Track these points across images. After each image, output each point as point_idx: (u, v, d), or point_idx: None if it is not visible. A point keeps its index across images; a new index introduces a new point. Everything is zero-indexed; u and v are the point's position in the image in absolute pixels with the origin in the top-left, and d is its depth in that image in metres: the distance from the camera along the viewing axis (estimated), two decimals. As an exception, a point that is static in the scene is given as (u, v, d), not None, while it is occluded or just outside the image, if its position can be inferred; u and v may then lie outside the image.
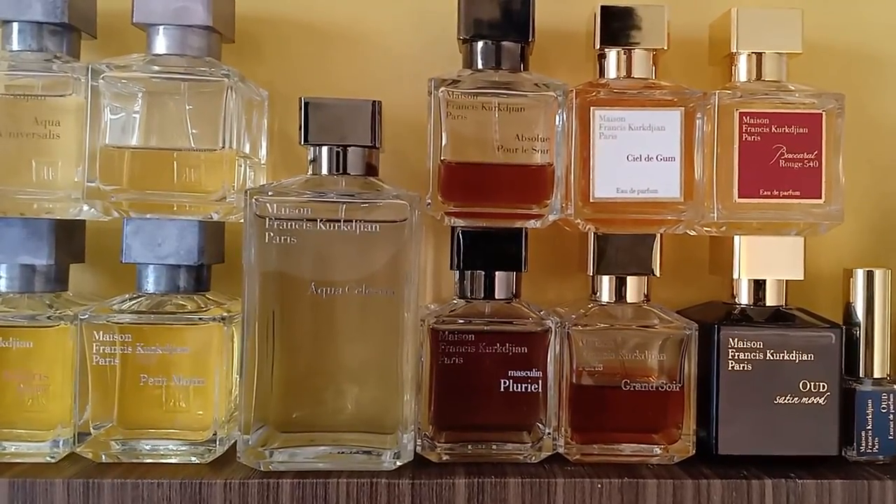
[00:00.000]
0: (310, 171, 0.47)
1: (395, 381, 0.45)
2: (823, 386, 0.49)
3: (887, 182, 0.58)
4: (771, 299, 0.51)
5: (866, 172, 0.57)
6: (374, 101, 0.47)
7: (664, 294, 0.55)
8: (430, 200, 0.47)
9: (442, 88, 0.47)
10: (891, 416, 0.50)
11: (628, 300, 0.50)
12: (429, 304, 0.52)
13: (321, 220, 0.44)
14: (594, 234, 0.49)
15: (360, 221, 0.44)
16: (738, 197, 0.49)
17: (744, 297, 0.51)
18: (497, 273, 0.49)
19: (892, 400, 0.50)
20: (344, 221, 0.44)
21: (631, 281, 0.50)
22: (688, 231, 0.51)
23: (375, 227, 0.44)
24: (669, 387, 0.48)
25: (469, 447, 0.47)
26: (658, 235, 0.50)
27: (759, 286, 0.51)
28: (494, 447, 0.48)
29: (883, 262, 0.53)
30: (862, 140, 0.57)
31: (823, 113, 0.49)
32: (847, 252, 0.58)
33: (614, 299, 0.50)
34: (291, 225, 0.44)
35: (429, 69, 0.50)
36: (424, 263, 0.54)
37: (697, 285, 0.56)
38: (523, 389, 0.47)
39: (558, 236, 0.54)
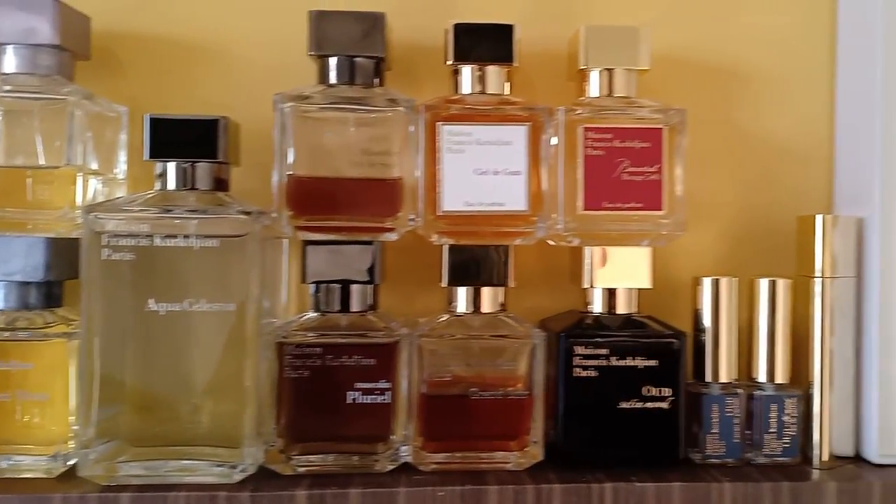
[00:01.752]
0: (157, 186, 0.47)
1: (242, 394, 0.46)
2: (667, 391, 0.50)
3: (752, 194, 0.60)
4: (622, 307, 0.53)
5: (733, 184, 0.59)
6: (222, 118, 0.48)
7: (532, 303, 0.57)
8: (275, 214, 0.47)
9: (289, 103, 0.48)
10: (736, 420, 0.52)
11: (483, 310, 0.51)
12: (291, 318, 0.53)
13: (159, 236, 0.44)
14: (447, 246, 0.50)
15: (199, 236, 0.45)
16: (583, 209, 0.50)
17: (597, 306, 0.53)
18: (352, 286, 0.50)
19: (737, 404, 0.52)
20: (184, 236, 0.45)
21: (485, 291, 0.51)
22: (549, 241, 0.52)
23: (215, 241, 0.45)
24: (519, 394, 0.49)
25: (321, 459, 0.48)
26: (510, 247, 0.51)
27: (611, 295, 0.53)
28: (348, 459, 0.48)
29: (747, 271, 0.55)
30: (730, 153, 0.59)
31: (664, 128, 0.51)
32: (711, 261, 0.59)
33: (470, 310, 0.51)
34: (128, 241, 0.44)
35: (295, 83, 0.51)
36: (289, 277, 0.55)
37: (566, 294, 0.57)
38: (372, 401, 0.48)
39: (427, 248, 0.55)
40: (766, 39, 0.59)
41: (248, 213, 0.46)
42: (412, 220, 0.49)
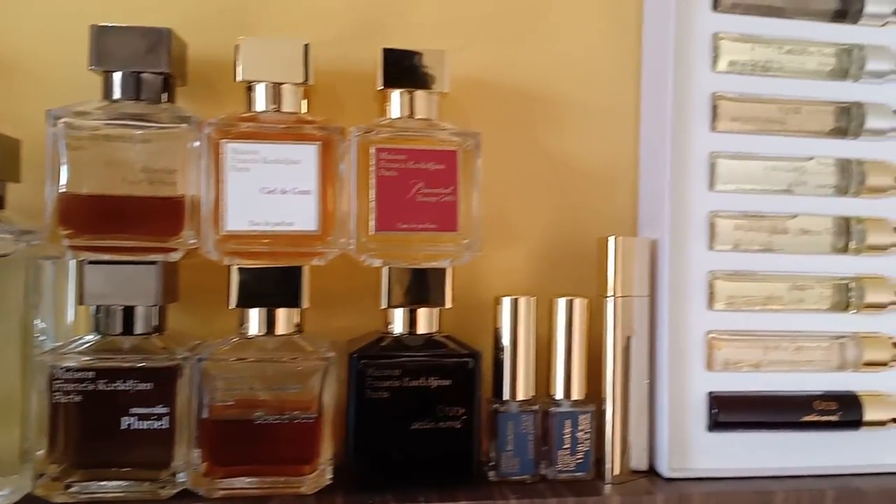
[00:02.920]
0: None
1: (8, 419, 0.44)
2: (460, 410, 0.51)
3: (564, 216, 0.61)
4: (423, 327, 0.53)
5: (545, 207, 0.61)
6: (-11, 133, 0.45)
7: (345, 323, 0.56)
8: (45, 234, 0.45)
9: (63, 119, 0.46)
10: (530, 437, 0.53)
11: (278, 332, 0.50)
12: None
13: None
14: (236, 267, 0.49)
15: (-46, 257, 0.42)
16: (376, 230, 0.50)
17: (397, 326, 0.53)
18: (134, 307, 0.48)
19: (531, 421, 0.53)
20: (-63, 257, 0.42)
21: (280, 313, 0.50)
22: (367, 261, 0.51)
23: (-28, 262, 0.43)
24: (306, 418, 0.49)
25: (97, 487, 0.46)
26: (304, 267, 0.50)
27: (412, 315, 0.53)
28: (139, 486, 0.47)
29: (559, 292, 0.56)
30: (542, 176, 0.61)
31: (459, 150, 0.51)
32: (524, 281, 0.60)
33: (264, 331, 0.50)
34: None
35: (80, 98, 0.49)
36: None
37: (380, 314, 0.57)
38: (149, 426, 0.46)
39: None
40: (576, 67, 0.61)
41: (10, 233, 0.43)
42: (193, 240, 0.47)
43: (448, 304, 0.53)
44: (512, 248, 0.60)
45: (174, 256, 0.48)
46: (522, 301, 0.54)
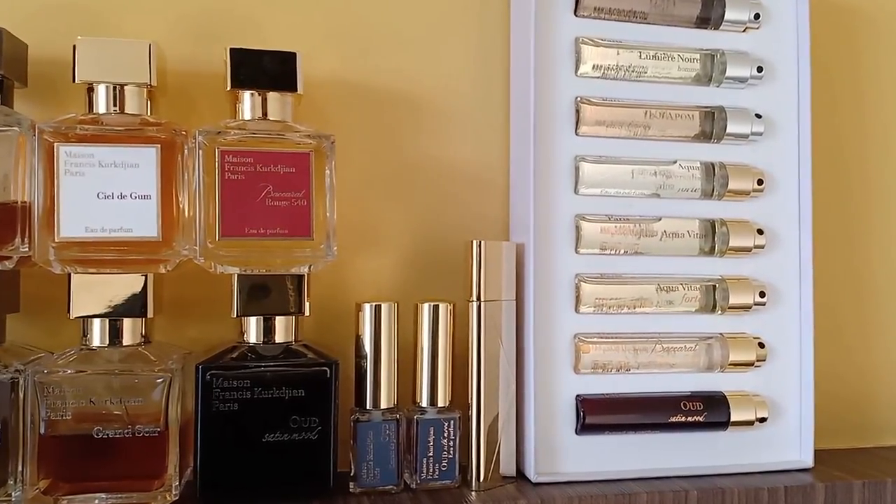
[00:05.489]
0: None
1: None
2: (314, 421, 0.49)
3: (430, 220, 0.60)
4: (280, 336, 0.51)
5: (405, 211, 0.60)
6: None
7: (202, 333, 0.54)
8: None
9: None
10: (393, 446, 0.52)
11: (124, 343, 0.48)
12: None
13: None
14: (72, 275, 0.47)
15: None
16: (222, 235, 0.48)
17: (252, 336, 0.51)
18: (-37, 319, 0.46)
19: (394, 430, 0.52)
20: None
21: (125, 323, 0.48)
22: (220, 268, 0.49)
23: None
24: (149, 431, 0.47)
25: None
26: (149, 276, 0.48)
27: (268, 323, 0.51)
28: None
29: (426, 296, 0.55)
30: (400, 181, 0.60)
31: (311, 153, 0.50)
32: (390, 286, 0.59)
33: (106, 342, 0.48)
34: None
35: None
36: None
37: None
38: (-25, 444, 0.44)
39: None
40: (447, 72, 0.61)
41: None
42: (25, 247, 0.45)
43: (305, 312, 0.51)
44: (381, 253, 0.59)
45: (7, 265, 0.45)
46: (385, 307, 0.53)
